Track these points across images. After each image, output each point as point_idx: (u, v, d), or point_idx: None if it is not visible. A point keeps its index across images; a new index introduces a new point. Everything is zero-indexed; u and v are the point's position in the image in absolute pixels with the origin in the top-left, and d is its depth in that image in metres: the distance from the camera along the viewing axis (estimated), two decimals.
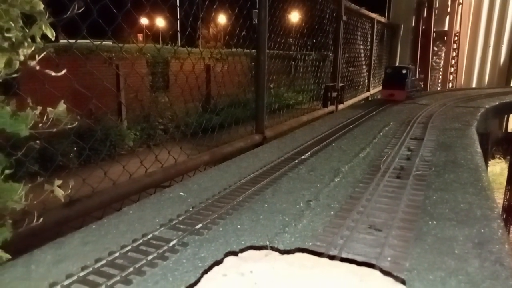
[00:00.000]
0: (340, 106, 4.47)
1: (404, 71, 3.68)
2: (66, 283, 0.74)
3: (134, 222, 1.04)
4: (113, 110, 6.64)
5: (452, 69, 8.99)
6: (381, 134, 2.18)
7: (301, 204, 1.18)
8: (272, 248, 0.63)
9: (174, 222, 1.02)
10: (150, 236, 0.94)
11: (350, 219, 1.04)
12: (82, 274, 0.77)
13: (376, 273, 0.54)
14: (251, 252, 0.60)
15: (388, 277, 0.53)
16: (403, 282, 0.54)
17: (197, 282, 0.52)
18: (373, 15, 6.71)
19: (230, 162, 1.66)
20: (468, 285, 0.77)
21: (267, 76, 3.27)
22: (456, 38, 8.90)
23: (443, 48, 9.06)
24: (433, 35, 8.87)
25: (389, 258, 0.86)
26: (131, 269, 0.80)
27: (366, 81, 6.98)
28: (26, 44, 1.05)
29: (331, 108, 4.37)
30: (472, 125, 2.41)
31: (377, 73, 7.66)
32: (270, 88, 4.45)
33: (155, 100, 7.46)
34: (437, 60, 9.14)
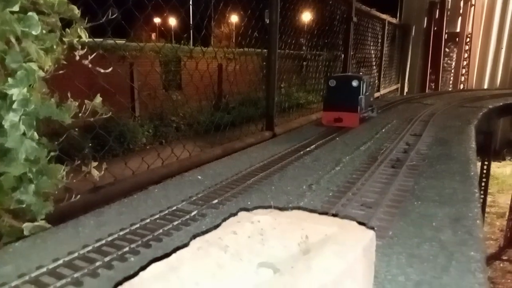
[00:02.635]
0: None
1: (355, 83, 2.36)
2: (109, 239, 0.93)
3: (160, 198, 1.23)
4: (127, 108, 6.89)
5: (464, 71, 9.05)
6: (383, 130, 2.34)
7: (304, 187, 1.35)
8: (275, 207, 0.80)
9: (193, 198, 1.20)
10: (174, 208, 1.12)
11: (345, 199, 1.21)
12: (121, 233, 0.96)
13: (353, 223, 0.71)
14: (259, 209, 0.77)
15: (362, 226, 0.70)
16: (372, 229, 0.70)
17: (217, 226, 0.70)
18: (384, 16, 6.84)
19: (242, 152, 1.85)
20: (438, 248, 0.94)
21: (278, 75, 3.44)
22: (468, 39, 8.96)
23: (455, 49, 9.13)
24: (445, 36, 8.95)
25: (375, 228, 1.03)
26: (160, 230, 0.98)
27: (376, 81, 7.11)
28: (64, 45, 1.25)
29: None
30: (471, 123, 2.55)
31: (388, 74, 7.78)
32: (281, 88, 4.62)
33: (168, 98, 7.69)
34: (449, 61, 9.22)
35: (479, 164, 5.16)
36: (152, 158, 2.19)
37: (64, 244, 0.92)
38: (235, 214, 0.74)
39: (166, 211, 1.10)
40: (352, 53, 5.60)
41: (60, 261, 0.82)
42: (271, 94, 3.44)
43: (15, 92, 1.07)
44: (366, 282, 0.67)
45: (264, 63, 3.67)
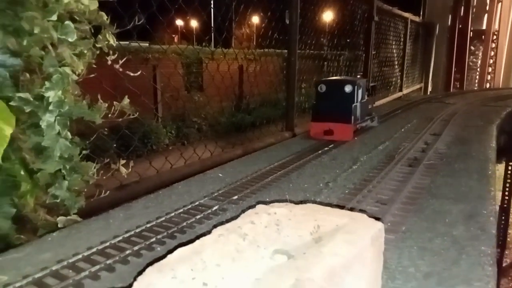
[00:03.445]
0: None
1: (348, 89, 2.04)
2: (137, 230, 1.00)
3: (183, 194, 1.30)
4: (150, 109, 7.07)
5: (490, 69, 8.86)
6: (403, 130, 2.36)
7: (321, 185, 1.40)
8: (291, 201, 0.86)
9: (215, 194, 1.27)
10: (197, 203, 1.19)
11: (360, 195, 1.25)
12: (148, 225, 1.03)
13: (364, 215, 0.76)
14: (275, 203, 0.83)
15: (371, 218, 0.75)
16: (379, 219, 0.75)
17: (237, 216, 0.76)
18: (406, 14, 6.78)
19: (261, 151, 1.91)
20: (450, 242, 0.97)
21: (298, 76, 3.49)
22: (494, 37, 8.76)
23: (481, 47, 8.95)
24: (470, 34, 8.78)
25: (388, 224, 1.07)
26: (184, 223, 1.05)
27: (399, 81, 7.05)
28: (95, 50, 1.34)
29: None
30: (494, 123, 2.54)
31: (411, 73, 7.69)
32: (301, 88, 4.66)
33: (189, 99, 7.83)
34: (474, 59, 9.04)
35: (502, 165, 5.06)
36: (175, 158, 2.28)
37: (96, 234, 1.00)
38: (253, 207, 0.80)
39: (189, 206, 1.17)
40: (374, 52, 5.59)
41: (94, 249, 0.90)
42: (291, 94, 3.48)
43: (51, 95, 1.16)
44: (375, 269, 0.72)
45: (285, 63, 3.72)
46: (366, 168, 1.58)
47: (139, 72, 1.26)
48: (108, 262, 0.85)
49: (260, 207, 0.81)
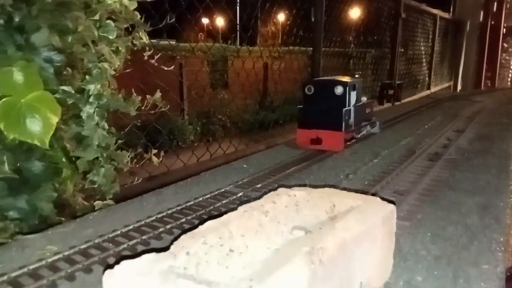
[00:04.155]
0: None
1: (339, 90, 1.81)
2: (168, 212, 1.10)
3: (210, 182, 1.39)
4: (176, 106, 7.23)
5: None
6: (426, 126, 2.39)
7: (341, 176, 1.47)
8: (310, 185, 0.93)
9: (239, 182, 1.36)
10: (222, 190, 1.28)
11: (379, 186, 1.31)
12: (178, 208, 1.13)
13: (377, 198, 0.83)
14: (295, 187, 0.91)
15: (384, 201, 0.81)
16: (394, 203, 0.82)
17: (260, 197, 0.84)
18: (435, 11, 6.69)
19: (284, 145, 1.98)
20: (462, 230, 1.03)
21: (323, 73, 3.54)
22: None
23: None
24: (503, 30, 8.55)
25: (404, 212, 1.13)
26: (211, 207, 1.14)
27: (427, 79, 6.97)
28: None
29: (387, 106, 4.52)
30: None
31: (439, 71, 7.58)
32: None
33: (214, 97, 7.96)
34: (507, 57, 8.81)
35: None
36: (199, 155, 2.39)
37: (131, 215, 1.10)
38: (275, 189, 0.88)
39: (216, 192, 1.26)
40: (401, 50, 5.56)
41: (130, 227, 1.00)
42: None
43: (91, 88, 1.28)
44: (386, 248, 0.79)
45: (309, 61, 3.78)
46: (386, 162, 1.64)
47: (172, 67, 1.36)
48: (143, 237, 0.95)
49: (281, 190, 0.89)
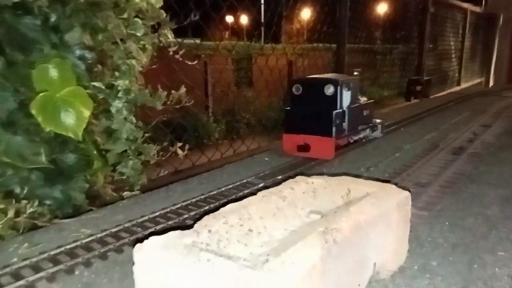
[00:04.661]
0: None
1: (329, 90, 1.62)
2: (193, 200, 1.16)
3: (233, 174, 1.45)
4: (201, 104, 7.35)
5: None
6: (452, 121, 2.37)
7: (362, 169, 1.49)
8: (327, 174, 0.97)
9: (261, 174, 1.41)
10: (244, 181, 1.34)
11: (399, 178, 1.34)
12: (202, 197, 1.19)
13: (392, 186, 0.86)
14: (314, 176, 0.95)
15: (399, 188, 0.84)
16: (408, 190, 0.84)
17: (279, 184, 0.89)
18: (465, 5, 6.54)
19: None
20: (482, 221, 1.04)
21: (347, 70, 3.54)
22: None
23: None
24: None
25: (423, 203, 1.15)
26: (233, 196, 1.20)
27: (456, 75, 6.82)
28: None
29: (414, 102, 4.47)
30: None
31: (469, 67, 7.40)
32: None
33: (239, 94, 8.04)
34: None
35: None
36: (224, 152, 2.45)
37: (158, 203, 1.17)
38: (293, 177, 0.93)
39: (238, 183, 1.31)
40: (430, 46, 5.47)
41: (157, 213, 1.07)
42: None
43: (120, 83, 1.35)
44: (401, 233, 0.82)
45: (335, 58, 3.79)
46: (409, 156, 1.65)
47: (195, 62, 1.43)
48: (169, 222, 1.01)
49: (299, 177, 0.93)
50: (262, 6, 3.72)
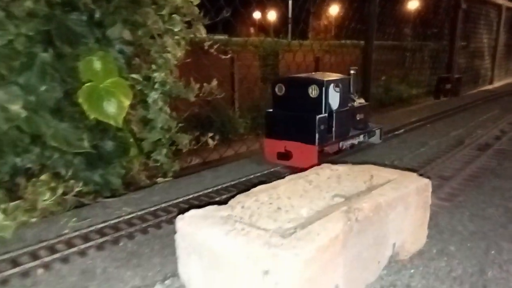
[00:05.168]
0: None
1: (314, 92, 1.47)
2: (224, 185, 1.25)
3: (262, 163, 1.52)
4: (228, 99, 7.46)
5: None
6: (480, 119, 2.37)
7: (386, 162, 1.54)
8: (353, 163, 1.03)
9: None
10: (272, 170, 1.41)
11: (422, 170, 1.38)
12: (232, 183, 1.28)
13: (413, 174, 0.91)
14: (339, 164, 1.02)
15: (419, 176, 0.90)
16: (429, 178, 0.90)
17: (304, 170, 0.96)
18: (500, 1, 6.38)
19: None
20: (502, 212, 1.08)
21: (375, 67, 3.55)
22: None
23: None
24: None
25: (445, 194, 1.20)
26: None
27: (489, 73, 6.67)
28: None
29: (443, 100, 4.42)
30: None
31: (504, 65, 7.22)
32: (379, 80, 4.66)
33: (265, 90, 8.11)
34: None
35: None
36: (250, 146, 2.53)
37: (191, 187, 1.26)
38: (318, 165, 0.99)
39: (266, 172, 1.39)
40: (463, 43, 5.38)
41: (190, 196, 1.16)
42: (366, 85, 3.56)
43: (157, 76, 1.45)
44: (421, 217, 0.88)
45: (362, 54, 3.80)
46: (434, 151, 1.68)
47: (229, 55, 1.51)
48: (201, 204, 1.09)
49: (324, 165, 1.00)
50: (290, 2, 3.78)
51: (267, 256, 0.57)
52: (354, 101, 1.67)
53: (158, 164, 1.55)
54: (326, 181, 0.90)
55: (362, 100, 1.73)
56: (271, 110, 1.56)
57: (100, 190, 1.37)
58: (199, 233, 0.65)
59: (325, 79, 1.46)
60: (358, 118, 1.68)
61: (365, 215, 0.73)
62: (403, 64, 5.42)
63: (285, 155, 1.46)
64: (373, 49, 3.56)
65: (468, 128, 2.13)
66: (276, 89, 1.54)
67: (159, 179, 1.54)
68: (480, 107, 2.88)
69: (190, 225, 0.68)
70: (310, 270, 0.59)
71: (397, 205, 0.80)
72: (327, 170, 0.96)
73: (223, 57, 1.56)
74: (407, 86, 5.94)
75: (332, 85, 1.48)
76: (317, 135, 1.43)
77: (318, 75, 1.58)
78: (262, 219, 0.72)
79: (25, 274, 0.77)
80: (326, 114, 1.47)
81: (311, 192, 0.84)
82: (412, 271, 0.81)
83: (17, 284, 0.75)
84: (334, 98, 1.50)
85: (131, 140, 1.50)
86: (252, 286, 0.59)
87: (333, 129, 1.51)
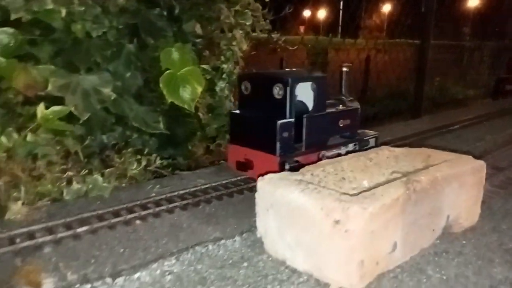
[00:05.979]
0: None
1: (278, 92, 1.19)
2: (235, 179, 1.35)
3: None
4: None
5: None
6: None
7: None
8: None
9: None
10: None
11: None
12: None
13: (469, 156, 0.99)
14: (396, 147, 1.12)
15: (474, 158, 0.98)
16: (483, 161, 0.97)
17: (365, 150, 1.06)
18: None
19: (383, 127, 2.14)
20: None
21: (431, 67, 3.51)
22: None
23: None
24: None
25: (499, 182, 1.25)
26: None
27: None
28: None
29: (502, 100, 4.29)
30: None
31: None
32: (435, 81, 4.59)
33: None
34: None
35: None
36: None
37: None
38: (376, 147, 1.10)
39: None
40: None
41: (228, 180, 1.26)
42: (420, 85, 3.53)
43: (225, 67, 1.60)
44: (474, 195, 0.96)
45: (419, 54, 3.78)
46: (489, 145, 1.72)
47: (295, 47, 1.64)
48: (249, 185, 1.21)
49: (383, 147, 1.10)
50: (342, 1, 3.85)
51: (339, 208, 0.69)
52: (343, 103, 1.40)
53: (222, 149, 1.70)
54: (385, 160, 1.01)
55: (355, 104, 1.44)
56: (236, 111, 1.35)
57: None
58: (278, 191, 0.78)
59: (292, 77, 1.20)
60: (341, 125, 1.37)
61: (423, 186, 0.82)
62: (460, 63, 5.30)
63: (244, 165, 1.24)
64: (429, 47, 3.52)
65: None
66: (242, 87, 1.31)
67: (222, 163, 1.69)
68: None
69: (269, 184, 0.81)
70: (374, 224, 0.70)
71: (453, 182, 0.88)
72: (386, 151, 1.05)
73: (291, 48, 1.69)
74: (463, 86, 5.78)
75: (301, 84, 1.22)
76: (278, 144, 1.17)
77: (288, 72, 1.40)
78: (330, 185, 0.83)
79: (127, 222, 0.94)
80: (292, 119, 1.20)
81: (371, 168, 0.95)
82: (464, 242, 0.89)
83: (122, 230, 0.92)
84: (307, 100, 1.28)
85: (198, 125, 1.66)
86: (323, 234, 0.71)
87: (303, 137, 1.24)
